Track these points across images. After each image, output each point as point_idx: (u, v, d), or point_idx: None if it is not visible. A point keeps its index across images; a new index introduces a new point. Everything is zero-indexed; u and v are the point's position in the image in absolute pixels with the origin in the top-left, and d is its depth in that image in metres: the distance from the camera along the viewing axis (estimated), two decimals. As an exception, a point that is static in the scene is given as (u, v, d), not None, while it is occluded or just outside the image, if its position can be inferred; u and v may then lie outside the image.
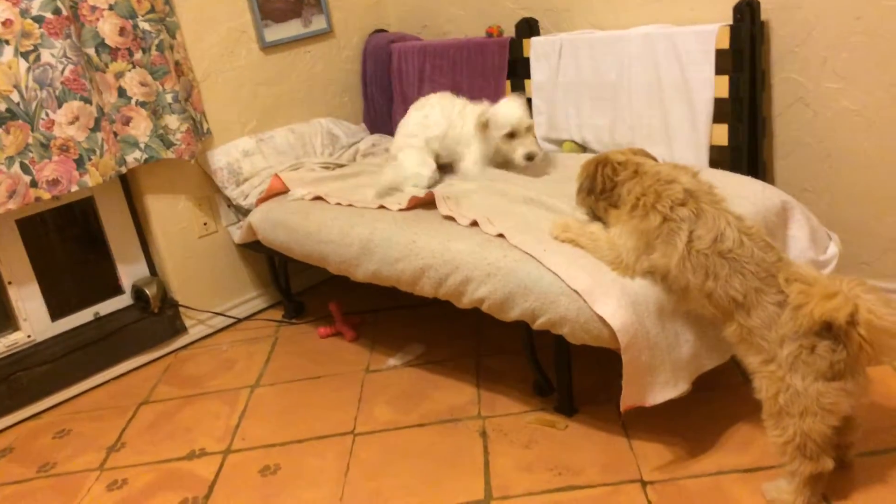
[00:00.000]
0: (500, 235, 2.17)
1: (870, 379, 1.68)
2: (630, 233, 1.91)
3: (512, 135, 2.57)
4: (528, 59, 2.97)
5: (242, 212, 3.13)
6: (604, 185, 2.04)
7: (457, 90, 3.21)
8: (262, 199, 2.96)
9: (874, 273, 2.50)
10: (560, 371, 2.22)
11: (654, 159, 2.12)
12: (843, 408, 1.65)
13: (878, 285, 2.46)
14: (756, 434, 2.02)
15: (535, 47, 2.93)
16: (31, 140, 2.51)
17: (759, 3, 2.40)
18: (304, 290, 3.43)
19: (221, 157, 3.07)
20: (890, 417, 2.03)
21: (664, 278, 1.89)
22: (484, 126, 2.63)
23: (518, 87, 3.04)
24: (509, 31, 3.08)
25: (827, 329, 1.60)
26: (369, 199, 2.63)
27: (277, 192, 2.93)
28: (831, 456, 1.71)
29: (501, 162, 2.69)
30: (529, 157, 2.57)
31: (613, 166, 2.04)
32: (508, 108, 2.58)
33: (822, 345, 1.61)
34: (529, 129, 2.60)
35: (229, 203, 3.16)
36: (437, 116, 2.78)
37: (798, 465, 1.70)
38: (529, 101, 2.99)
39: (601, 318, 1.87)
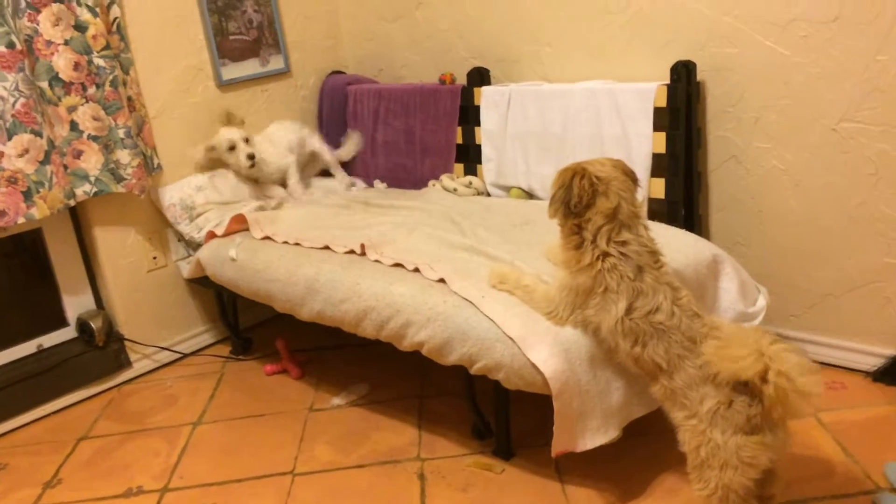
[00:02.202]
0: (441, 280, 2.22)
1: (790, 433, 1.75)
2: (571, 289, 1.94)
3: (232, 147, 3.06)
4: (478, 107, 3.06)
5: (193, 247, 3.14)
6: (580, 199, 1.87)
7: (410, 133, 3.30)
8: (212, 235, 2.97)
9: (802, 325, 2.61)
10: (498, 415, 2.27)
11: (634, 177, 1.97)
12: (763, 461, 1.71)
13: (804, 337, 2.58)
14: (683, 482, 2.07)
15: (485, 96, 3.02)
16: (-22, 172, 2.51)
17: (695, 65, 2.52)
18: (253, 326, 3.44)
19: (174, 193, 3.08)
20: (811, 467, 2.11)
21: (595, 333, 1.95)
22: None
23: (469, 133, 3.12)
24: (461, 79, 3.17)
25: (743, 385, 1.67)
26: (315, 239, 2.66)
27: (237, 231, 2.95)
28: None
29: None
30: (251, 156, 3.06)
31: (591, 180, 1.87)
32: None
33: (738, 400, 1.68)
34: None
35: (180, 237, 3.17)
36: None
37: None
38: (478, 150, 3.08)
39: (534, 365, 1.93)
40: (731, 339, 1.70)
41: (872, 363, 2.49)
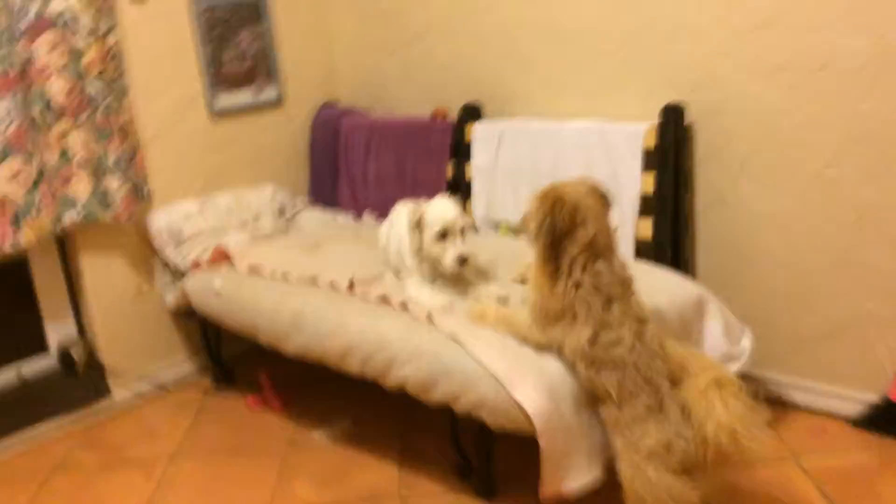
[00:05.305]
0: (428, 317, 2.22)
1: (720, 473, 1.87)
2: (542, 309, 1.97)
3: (443, 234, 2.33)
4: (470, 143, 3.07)
5: (178, 275, 3.12)
6: (562, 229, 1.89)
7: (400, 168, 3.31)
8: (197, 265, 2.95)
9: (786, 369, 2.61)
10: (480, 454, 2.25)
11: (607, 200, 1.99)
12: (693, 500, 1.77)
13: (787, 381, 2.59)
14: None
15: (476, 133, 3.05)
16: (-35, 195, 2.50)
17: (684, 108, 2.55)
18: (236, 357, 3.40)
19: (162, 219, 3.07)
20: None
21: (559, 351, 1.98)
22: (417, 224, 2.38)
23: (460, 169, 3.13)
24: (454, 113, 3.18)
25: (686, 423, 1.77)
26: (303, 272, 2.65)
27: (221, 261, 2.93)
28: None
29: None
30: (461, 261, 2.32)
31: (571, 211, 1.89)
32: (442, 207, 2.36)
33: (677, 442, 1.77)
34: (463, 231, 2.36)
35: (165, 265, 3.15)
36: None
37: None
38: (468, 185, 3.09)
39: (518, 403, 1.92)
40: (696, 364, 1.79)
41: (854, 409, 2.49)
